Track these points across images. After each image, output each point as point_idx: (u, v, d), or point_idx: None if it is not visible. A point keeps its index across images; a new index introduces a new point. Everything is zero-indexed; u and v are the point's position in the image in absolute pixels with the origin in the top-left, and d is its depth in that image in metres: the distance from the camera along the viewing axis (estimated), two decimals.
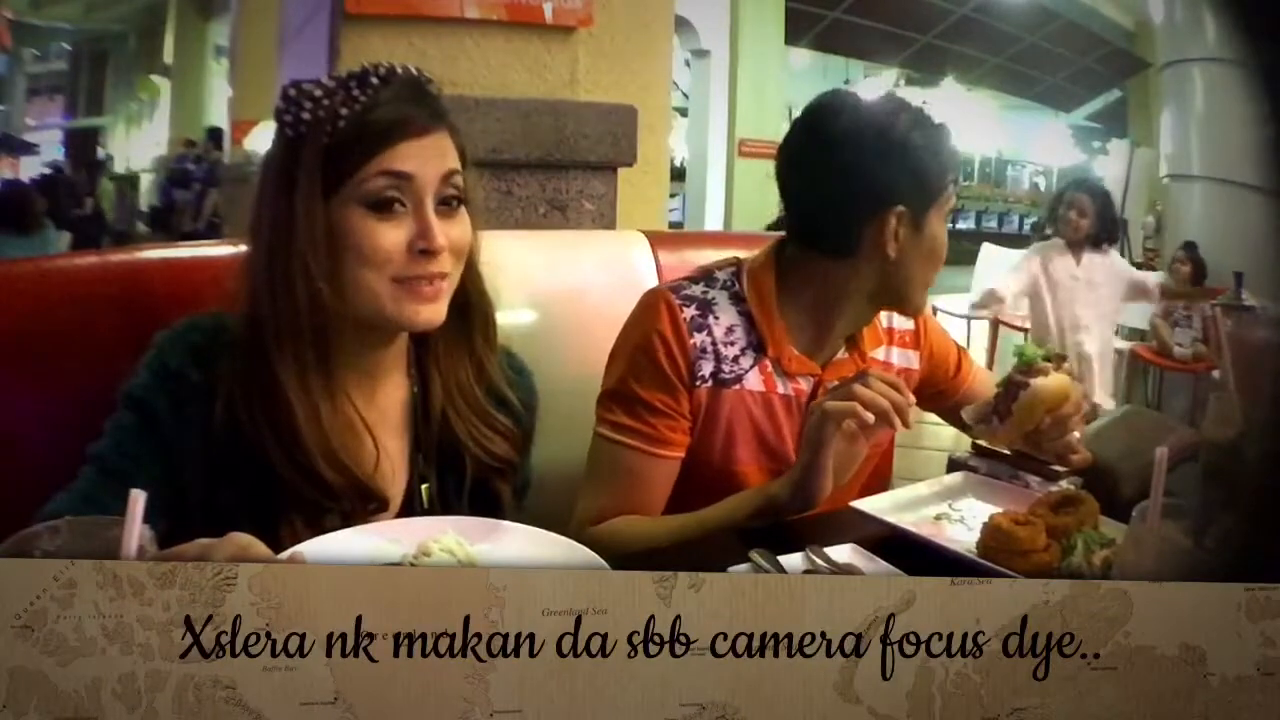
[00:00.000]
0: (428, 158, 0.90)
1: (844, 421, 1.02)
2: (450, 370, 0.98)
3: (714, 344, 1.16)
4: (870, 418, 1.01)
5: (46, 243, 4.35)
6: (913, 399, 1.06)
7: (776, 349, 1.18)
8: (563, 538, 0.87)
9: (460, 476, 0.99)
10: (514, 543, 0.87)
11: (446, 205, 0.92)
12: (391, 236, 0.89)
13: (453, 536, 0.83)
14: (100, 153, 14.08)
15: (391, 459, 0.97)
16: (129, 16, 14.02)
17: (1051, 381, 1.10)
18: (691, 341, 1.15)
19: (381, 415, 0.97)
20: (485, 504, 0.98)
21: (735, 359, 1.17)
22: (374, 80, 0.90)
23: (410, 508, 0.96)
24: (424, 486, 0.98)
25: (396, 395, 0.99)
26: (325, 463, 0.90)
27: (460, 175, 0.94)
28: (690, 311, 1.16)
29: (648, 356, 1.15)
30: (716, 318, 1.17)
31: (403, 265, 0.90)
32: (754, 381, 1.18)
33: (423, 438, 0.98)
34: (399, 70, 0.92)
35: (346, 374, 0.95)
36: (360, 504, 0.92)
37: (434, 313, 0.92)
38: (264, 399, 0.89)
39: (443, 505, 0.98)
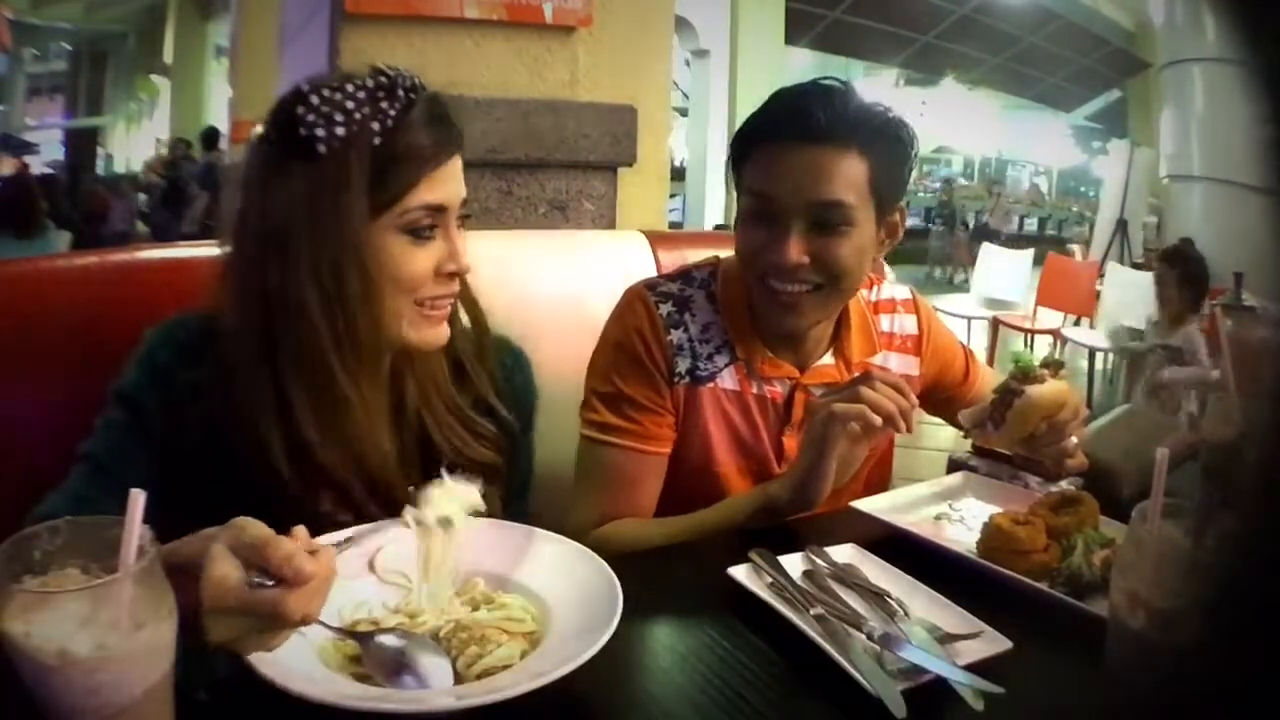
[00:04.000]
0: (455, 183, 0.92)
1: (849, 423, 1.02)
2: (425, 375, 0.98)
3: (690, 341, 1.17)
4: (878, 420, 1.01)
5: (48, 245, 4.29)
6: (915, 402, 1.06)
7: (746, 351, 1.17)
8: (583, 546, 0.86)
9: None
10: (529, 546, 0.87)
11: (459, 225, 0.93)
12: (425, 261, 0.90)
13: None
14: (100, 152, 14.08)
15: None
16: (129, 16, 14.03)
17: (1048, 389, 1.09)
18: (668, 338, 1.16)
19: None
20: None
21: (710, 357, 1.17)
22: (401, 93, 0.88)
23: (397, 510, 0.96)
24: (410, 489, 0.98)
25: (381, 401, 0.98)
26: (372, 453, 0.91)
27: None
28: (666, 308, 1.17)
29: (627, 353, 1.15)
30: (693, 315, 1.18)
31: (429, 288, 0.91)
32: (729, 380, 1.18)
33: (404, 441, 0.97)
34: (419, 83, 0.90)
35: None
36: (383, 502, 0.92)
37: (445, 332, 0.94)
38: (313, 402, 0.88)
39: None
